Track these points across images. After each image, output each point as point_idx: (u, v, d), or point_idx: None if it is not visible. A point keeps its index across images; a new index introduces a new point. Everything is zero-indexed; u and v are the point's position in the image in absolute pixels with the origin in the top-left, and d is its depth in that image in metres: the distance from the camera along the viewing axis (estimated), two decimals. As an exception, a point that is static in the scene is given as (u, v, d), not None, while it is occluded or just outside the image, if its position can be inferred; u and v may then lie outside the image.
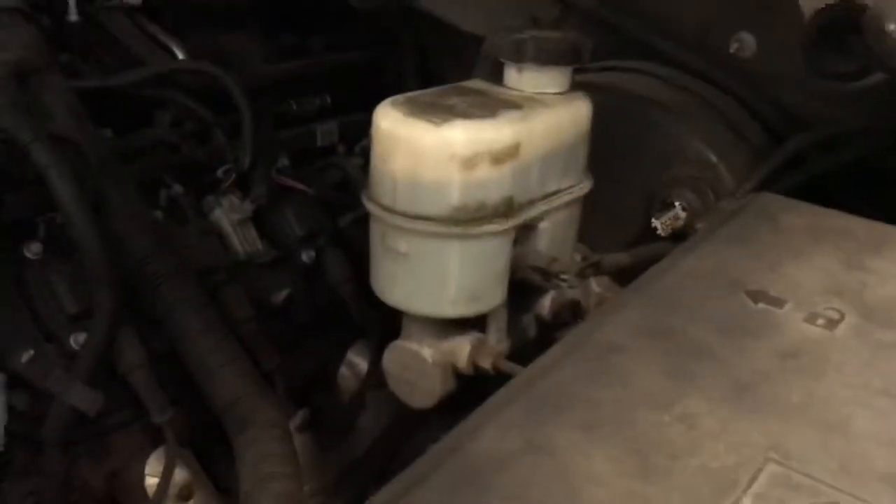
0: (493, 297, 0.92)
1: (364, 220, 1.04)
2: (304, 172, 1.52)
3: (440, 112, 0.86)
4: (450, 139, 0.83)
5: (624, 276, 0.98)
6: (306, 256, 1.42)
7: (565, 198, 0.97)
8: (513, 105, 0.90)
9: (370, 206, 0.89)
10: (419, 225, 0.85)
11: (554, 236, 0.96)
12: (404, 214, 0.86)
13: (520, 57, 0.94)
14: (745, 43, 1.16)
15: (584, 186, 1.00)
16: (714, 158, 1.11)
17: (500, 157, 0.85)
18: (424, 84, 1.46)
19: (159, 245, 1.13)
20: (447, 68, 1.48)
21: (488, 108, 0.89)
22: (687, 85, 1.18)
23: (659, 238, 1.08)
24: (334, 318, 1.45)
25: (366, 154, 1.58)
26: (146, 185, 1.29)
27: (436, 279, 0.89)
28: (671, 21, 1.20)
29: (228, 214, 1.35)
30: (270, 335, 1.33)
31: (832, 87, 1.12)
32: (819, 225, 0.93)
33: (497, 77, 0.98)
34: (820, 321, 0.76)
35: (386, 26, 1.60)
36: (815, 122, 1.18)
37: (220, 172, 1.36)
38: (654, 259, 0.88)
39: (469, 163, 0.83)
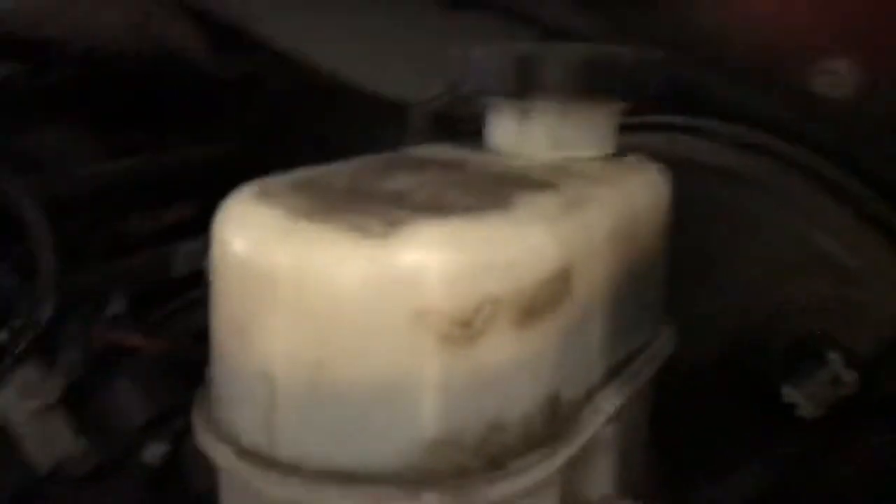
0: None
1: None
2: (153, 317, 1.02)
3: (374, 205, 0.37)
4: (413, 270, 0.34)
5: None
6: (152, 453, 0.91)
7: (645, 371, 0.49)
8: (534, 185, 0.44)
9: (213, 451, 0.39)
10: (338, 494, 0.36)
11: (624, 450, 0.47)
12: (298, 470, 0.35)
13: (529, 87, 0.47)
14: (840, 76, 0.72)
15: (668, 340, 0.53)
16: (857, 264, 0.65)
17: (535, 305, 0.36)
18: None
19: None
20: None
21: (481, 191, 0.40)
22: (773, 147, 0.73)
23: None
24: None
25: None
26: None
27: None
28: (722, 53, 0.75)
29: (19, 403, 0.84)
30: None
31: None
32: None
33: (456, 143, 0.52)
34: None
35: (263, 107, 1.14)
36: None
37: (2, 335, 0.85)
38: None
39: (464, 328, 0.34)
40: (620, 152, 0.51)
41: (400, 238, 0.33)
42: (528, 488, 0.36)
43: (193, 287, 1.11)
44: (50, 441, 0.84)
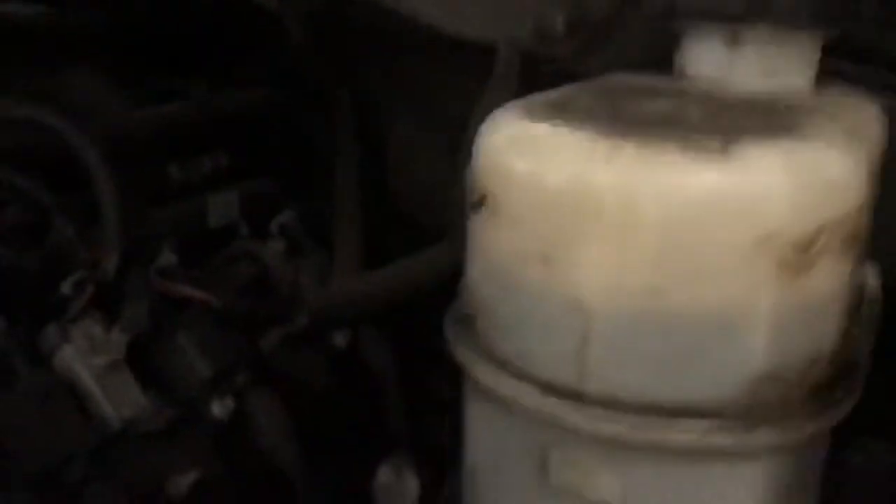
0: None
1: (299, 336, 0.76)
2: (200, 272, 0.98)
3: (675, 127, 0.35)
4: (760, 191, 0.32)
5: None
6: (220, 409, 0.88)
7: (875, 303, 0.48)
8: (805, 112, 0.41)
9: (500, 387, 0.37)
10: (662, 433, 0.33)
11: None
12: (614, 406, 0.34)
13: (757, 11, 0.44)
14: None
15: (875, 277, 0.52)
16: None
17: (854, 230, 0.34)
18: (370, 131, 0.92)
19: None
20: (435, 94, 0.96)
21: (762, 117, 0.38)
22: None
23: None
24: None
25: (289, 234, 1.08)
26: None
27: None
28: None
29: (85, 357, 0.80)
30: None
31: None
32: None
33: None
34: None
35: (307, 50, 1.09)
36: None
37: (66, 287, 0.81)
38: None
39: (803, 255, 0.32)
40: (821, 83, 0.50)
41: (743, 159, 0.32)
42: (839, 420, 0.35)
43: (228, 238, 1.07)
44: (119, 398, 0.81)
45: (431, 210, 1.03)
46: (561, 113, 0.38)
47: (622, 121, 0.36)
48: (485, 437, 0.39)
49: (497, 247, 0.36)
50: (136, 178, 0.95)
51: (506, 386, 0.36)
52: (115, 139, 0.90)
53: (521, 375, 0.36)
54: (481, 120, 0.43)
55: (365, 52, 1.03)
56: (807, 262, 0.32)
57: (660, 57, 0.61)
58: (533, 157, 0.34)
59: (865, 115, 0.46)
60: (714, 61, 0.48)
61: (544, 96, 0.41)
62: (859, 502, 0.61)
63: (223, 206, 1.08)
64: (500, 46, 0.82)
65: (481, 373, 0.37)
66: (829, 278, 0.34)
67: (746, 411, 0.33)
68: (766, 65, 0.47)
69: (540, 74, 0.76)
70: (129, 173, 0.94)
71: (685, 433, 0.33)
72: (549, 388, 0.35)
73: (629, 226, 0.32)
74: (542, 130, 0.35)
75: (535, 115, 0.37)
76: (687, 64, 0.50)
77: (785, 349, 0.34)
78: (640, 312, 0.32)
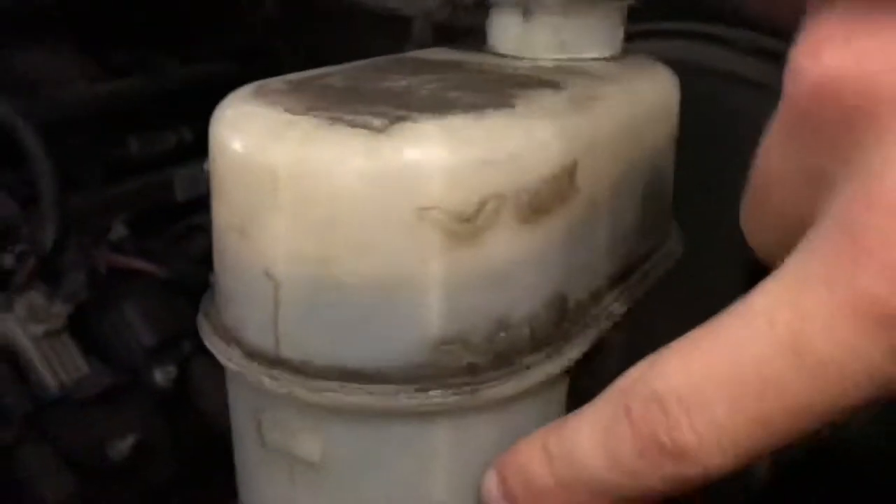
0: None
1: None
2: (154, 244, 1.01)
3: (374, 102, 0.36)
4: (414, 166, 0.33)
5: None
6: (161, 376, 0.91)
7: (652, 276, 0.48)
8: (537, 83, 0.42)
9: (220, 354, 0.39)
10: (348, 396, 0.35)
11: (631, 357, 0.47)
12: (306, 371, 0.35)
13: None
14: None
15: (675, 247, 0.52)
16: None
17: (540, 201, 0.35)
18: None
19: None
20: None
21: (487, 90, 0.39)
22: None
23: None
24: (214, 466, 0.95)
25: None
26: None
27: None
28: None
29: (26, 325, 0.84)
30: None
31: None
32: None
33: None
34: None
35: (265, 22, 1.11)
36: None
37: (7, 259, 0.85)
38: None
39: (467, 224, 0.33)
40: (627, 55, 0.49)
41: (401, 133, 0.32)
42: (535, 387, 0.36)
43: (194, 212, 1.10)
44: (58, 364, 0.85)
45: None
46: (291, 90, 0.39)
47: (341, 97, 0.37)
48: (231, 406, 0.41)
49: (216, 221, 0.38)
50: (87, 155, 0.99)
51: (224, 353, 0.38)
52: (59, 117, 0.93)
53: (235, 343, 0.38)
54: None
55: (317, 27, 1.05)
56: (474, 231, 0.33)
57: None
58: (231, 133, 0.36)
59: (645, 81, 0.46)
60: (510, 36, 0.49)
61: (299, 75, 0.42)
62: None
63: (189, 181, 1.10)
64: (414, 19, 0.83)
65: (211, 342, 0.39)
66: (509, 246, 0.34)
67: (427, 374, 0.34)
68: (558, 38, 0.47)
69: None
70: (78, 150, 0.98)
71: (366, 396, 0.34)
72: (253, 355, 0.36)
73: (299, 200, 0.33)
74: (245, 108, 0.36)
75: (259, 93, 0.38)
76: (490, 38, 0.50)
77: (462, 315, 0.34)
78: (315, 280, 0.34)
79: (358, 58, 0.54)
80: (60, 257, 0.87)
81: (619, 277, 0.46)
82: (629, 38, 0.57)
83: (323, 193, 0.33)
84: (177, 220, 1.08)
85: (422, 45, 0.85)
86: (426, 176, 0.32)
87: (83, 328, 0.89)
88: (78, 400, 0.85)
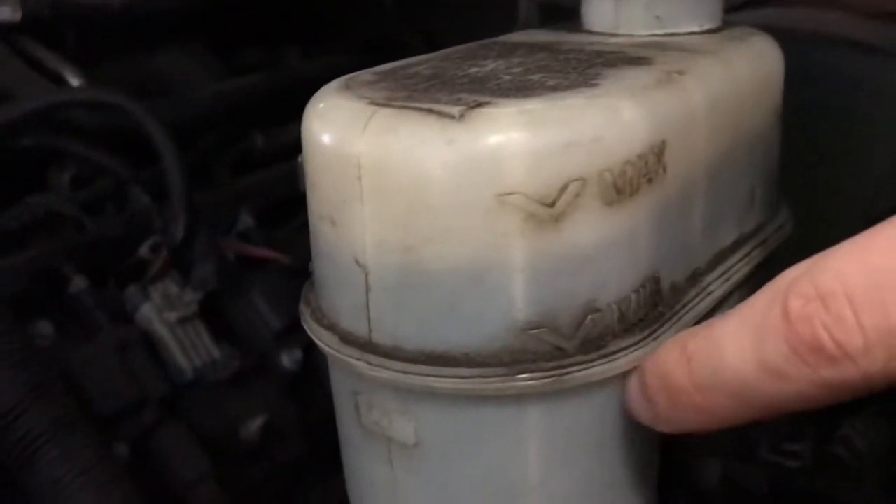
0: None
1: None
2: (279, 233, 1.05)
3: (456, 90, 0.36)
4: (492, 152, 0.33)
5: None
6: (289, 360, 0.95)
7: (756, 254, 0.47)
8: (626, 61, 0.41)
9: (319, 339, 0.41)
10: (436, 379, 0.35)
11: None
12: (397, 355, 0.36)
13: None
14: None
15: (786, 223, 0.51)
16: None
17: (625, 182, 0.34)
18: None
19: (36, 388, 0.70)
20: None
21: (571, 71, 0.38)
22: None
23: None
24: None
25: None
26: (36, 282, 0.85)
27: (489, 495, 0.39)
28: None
29: (162, 312, 0.89)
30: (242, 491, 0.88)
31: None
32: None
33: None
34: None
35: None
36: None
37: (143, 251, 0.90)
38: None
39: (549, 208, 0.33)
40: (729, 27, 0.48)
41: (478, 120, 0.33)
42: (627, 371, 0.36)
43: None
44: (191, 349, 0.89)
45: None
46: (378, 80, 0.40)
47: (424, 86, 0.38)
48: (333, 388, 0.43)
49: (311, 211, 0.39)
50: (217, 149, 1.04)
51: (322, 338, 0.39)
52: (188, 115, 0.98)
53: (332, 328, 0.39)
54: None
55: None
56: (556, 215, 0.33)
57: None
58: (320, 126, 0.37)
59: (742, 53, 0.45)
60: (605, 12, 0.48)
61: (389, 65, 0.43)
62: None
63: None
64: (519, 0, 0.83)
65: (311, 328, 0.40)
66: (593, 229, 0.34)
67: (515, 359, 0.35)
68: (653, 13, 0.46)
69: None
70: (206, 146, 1.03)
71: (454, 379, 0.35)
72: (348, 340, 0.38)
73: (382, 189, 0.34)
74: (333, 101, 0.37)
75: (350, 84, 0.39)
76: (585, 16, 0.50)
77: (548, 300, 0.34)
78: (402, 267, 0.34)
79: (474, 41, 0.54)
80: (191, 248, 0.91)
81: (721, 257, 0.45)
82: (744, 6, 0.55)
83: (403, 182, 0.34)
84: (301, 210, 1.12)
85: (528, 27, 0.86)
86: (504, 161, 0.33)
87: (214, 314, 0.93)
88: (210, 383, 0.89)
